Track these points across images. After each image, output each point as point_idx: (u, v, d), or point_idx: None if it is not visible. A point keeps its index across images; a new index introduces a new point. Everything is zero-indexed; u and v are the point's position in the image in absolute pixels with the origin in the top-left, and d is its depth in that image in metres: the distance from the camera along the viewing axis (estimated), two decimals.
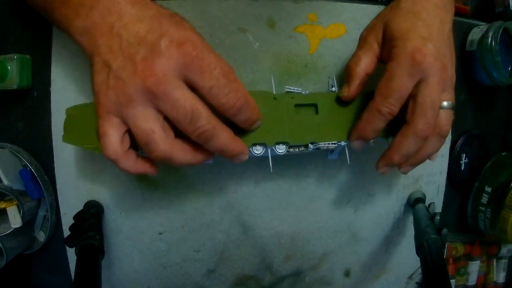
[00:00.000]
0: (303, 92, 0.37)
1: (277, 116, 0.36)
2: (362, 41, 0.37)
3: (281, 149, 0.36)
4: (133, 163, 0.32)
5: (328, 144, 0.37)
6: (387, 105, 0.33)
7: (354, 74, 0.36)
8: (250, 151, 0.35)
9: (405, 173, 0.38)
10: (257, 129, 0.35)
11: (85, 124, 0.35)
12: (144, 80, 0.28)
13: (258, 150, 0.35)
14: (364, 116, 0.35)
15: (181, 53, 0.28)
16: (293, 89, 0.37)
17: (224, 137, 0.31)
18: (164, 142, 0.29)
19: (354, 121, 0.37)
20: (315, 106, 0.37)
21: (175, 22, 0.30)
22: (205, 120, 0.29)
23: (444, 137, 0.35)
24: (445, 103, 0.34)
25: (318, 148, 0.37)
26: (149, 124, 0.29)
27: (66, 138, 0.36)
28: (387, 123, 0.34)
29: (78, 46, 0.33)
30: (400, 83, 0.32)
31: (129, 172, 0.32)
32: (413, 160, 0.37)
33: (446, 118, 0.35)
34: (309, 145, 0.36)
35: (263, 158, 0.36)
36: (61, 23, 0.33)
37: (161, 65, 0.28)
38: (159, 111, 0.29)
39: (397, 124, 0.35)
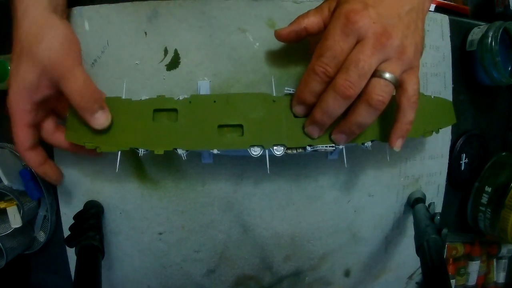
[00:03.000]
0: None
1: (276, 118, 0.36)
2: (318, 6, 0.37)
3: (278, 151, 0.36)
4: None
5: (326, 146, 0.37)
6: (320, 64, 0.32)
7: (295, 21, 0.37)
8: (248, 152, 0.36)
9: (338, 143, 0.36)
10: (255, 131, 0.35)
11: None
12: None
13: (256, 151, 0.36)
14: (301, 78, 0.35)
15: None
16: (293, 90, 0.37)
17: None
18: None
19: None
20: None
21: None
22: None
23: (374, 108, 0.33)
24: (386, 75, 0.32)
25: (316, 150, 0.37)
26: None
27: (69, 136, 0.36)
28: (326, 85, 0.33)
29: None
30: (333, 42, 0.32)
31: None
32: (343, 127, 0.35)
33: (379, 88, 0.32)
34: (307, 147, 0.36)
35: (263, 158, 0.36)
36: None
37: None
38: None
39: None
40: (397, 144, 0.36)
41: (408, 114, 0.35)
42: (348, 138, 0.36)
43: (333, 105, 0.33)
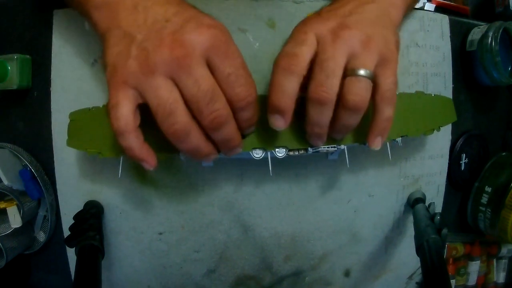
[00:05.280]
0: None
1: None
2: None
3: (280, 153, 0.36)
4: (140, 143, 0.30)
5: (328, 147, 0.37)
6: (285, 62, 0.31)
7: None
8: (250, 155, 0.36)
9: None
10: (256, 133, 0.35)
11: (89, 129, 0.36)
12: (172, 51, 0.27)
13: (258, 154, 0.36)
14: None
15: (211, 34, 0.28)
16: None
17: (232, 128, 0.31)
18: (185, 115, 0.29)
19: (359, 123, 0.36)
20: None
21: (201, 12, 0.30)
22: (222, 104, 0.29)
23: (352, 111, 0.31)
24: (360, 71, 0.30)
25: (318, 151, 0.37)
26: (173, 95, 0.28)
27: (70, 142, 0.36)
28: (299, 82, 0.31)
29: (89, 22, 0.33)
30: (291, 40, 0.32)
31: (133, 152, 0.30)
32: (332, 133, 0.34)
33: (353, 88, 0.30)
34: (309, 148, 0.36)
35: (264, 159, 0.36)
36: None
37: (190, 40, 0.28)
38: (180, 89, 0.28)
39: None
40: (376, 143, 0.35)
41: (383, 111, 0.33)
42: (341, 138, 0.36)
43: (317, 115, 0.32)
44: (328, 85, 0.30)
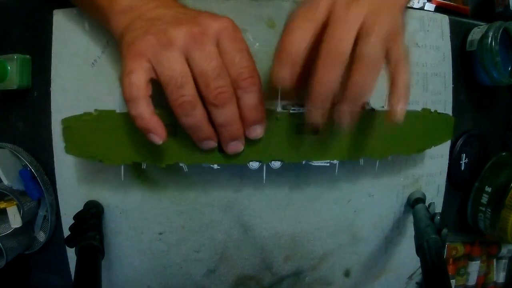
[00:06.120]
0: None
1: (277, 135, 0.36)
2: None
3: (275, 165, 0.38)
4: (151, 112, 0.31)
5: (322, 162, 0.38)
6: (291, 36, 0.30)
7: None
8: (246, 166, 0.37)
9: (343, 123, 0.32)
10: (255, 146, 0.36)
11: (86, 136, 0.35)
12: (190, 28, 0.30)
13: (254, 166, 0.37)
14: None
15: (222, 21, 0.32)
16: (298, 109, 0.36)
17: (234, 110, 0.32)
18: (194, 89, 0.31)
19: (354, 140, 0.38)
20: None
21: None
22: (227, 83, 0.31)
23: (367, 64, 0.29)
24: (374, 35, 0.29)
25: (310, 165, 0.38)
26: (185, 68, 0.30)
27: (69, 149, 0.36)
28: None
29: (106, 26, 0.35)
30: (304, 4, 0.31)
31: (142, 121, 0.31)
32: (346, 96, 0.31)
33: (368, 42, 0.29)
34: (303, 162, 0.38)
35: (261, 167, 0.37)
36: (100, 2, 0.35)
37: (205, 21, 0.31)
38: (191, 64, 0.30)
39: None
40: (398, 114, 0.33)
41: (400, 78, 0.32)
42: (352, 113, 0.32)
43: (328, 69, 0.29)
44: (343, 37, 0.29)
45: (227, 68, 0.31)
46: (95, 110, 0.35)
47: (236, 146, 0.35)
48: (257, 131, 0.34)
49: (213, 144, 0.34)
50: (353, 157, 0.39)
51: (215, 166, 0.37)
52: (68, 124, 0.35)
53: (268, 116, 0.35)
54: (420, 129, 0.41)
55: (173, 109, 0.31)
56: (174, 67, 0.30)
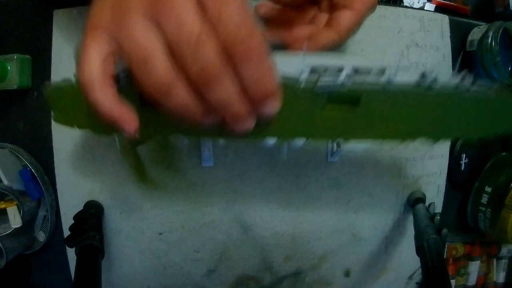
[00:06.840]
0: (344, 82, 0.28)
1: (299, 107, 0.29)
2: None
3: (297, 144, 0.30)
4: (111, 97, 0.25)
5: (357, 146, 0.31)
6: None
7: None
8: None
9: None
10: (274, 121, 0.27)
11: (71, 104, 0.31)
12: None
13: (270, 142, 0.30)
14: None
15: None
16: (333, 80, 0.28)
17: (227, 85, 0.23)
18: (165, 65, 0.22)
19: (405, 116, 0.30)
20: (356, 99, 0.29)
21: None
22: (211, 49, 0.21)
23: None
24: None
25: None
26: (151, 41, 0.22)
27: (56, 118, 0.32)
28: None
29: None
30: None
31: (102, 110, 0.25)
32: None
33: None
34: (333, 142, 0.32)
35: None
36: None
37: None
38: (161, 32, 0.22)
39: None
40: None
41: None
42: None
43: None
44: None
45: (214, 29, 0.22)
46: (75, 74, 0.28)
47: (244, 125, 0.26)
48: (269, 108, 0.25)
49: (212, 119, 0.25)
50: (404, 136, 0.30)
51: (221, 141, 0.30)
52: (50, 92, 0.31)
53: (291, 90, 0.27)
54: (489, 113, 0.32)
55: (147, 94, 0.23)
56: (134, 39, 0.22)
